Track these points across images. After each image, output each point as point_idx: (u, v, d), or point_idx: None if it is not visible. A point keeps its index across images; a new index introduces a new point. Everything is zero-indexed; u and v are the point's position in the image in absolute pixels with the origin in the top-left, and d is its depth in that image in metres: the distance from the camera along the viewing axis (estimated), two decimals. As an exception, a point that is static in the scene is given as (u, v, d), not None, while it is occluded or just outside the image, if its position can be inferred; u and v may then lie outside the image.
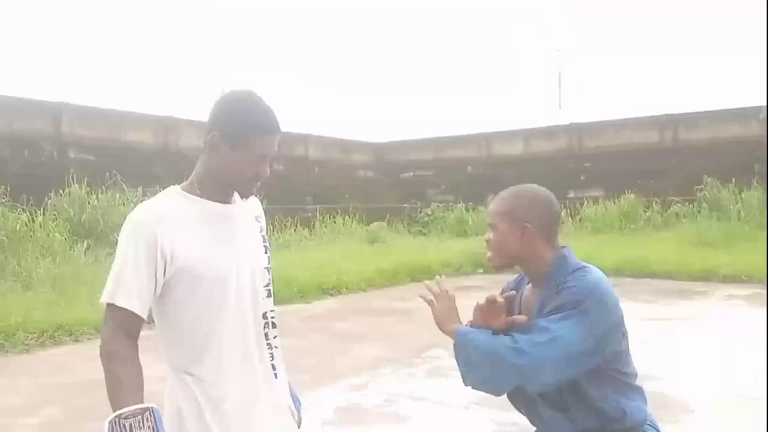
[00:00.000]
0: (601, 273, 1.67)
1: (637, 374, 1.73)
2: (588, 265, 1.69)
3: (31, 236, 8.88)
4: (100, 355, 1.52)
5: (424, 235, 16.53)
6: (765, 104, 14.32)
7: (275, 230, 13.58)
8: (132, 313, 1.48)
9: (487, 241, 1.79)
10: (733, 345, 6.07)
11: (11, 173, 10.66)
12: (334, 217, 16.28)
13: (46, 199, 10.35)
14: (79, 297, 7.62)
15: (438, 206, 18.16)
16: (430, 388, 4.99)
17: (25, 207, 9.52)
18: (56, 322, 6.84)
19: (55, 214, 9.98)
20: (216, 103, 1.55)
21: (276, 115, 1.55)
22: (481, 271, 12.69)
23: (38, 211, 9.63)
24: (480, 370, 1.66)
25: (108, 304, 1.49)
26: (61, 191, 10.66)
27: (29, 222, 9.19)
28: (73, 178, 10.88)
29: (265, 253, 1.68)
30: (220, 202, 1.58)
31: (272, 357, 1.65)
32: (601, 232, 14.64)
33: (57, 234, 9.18)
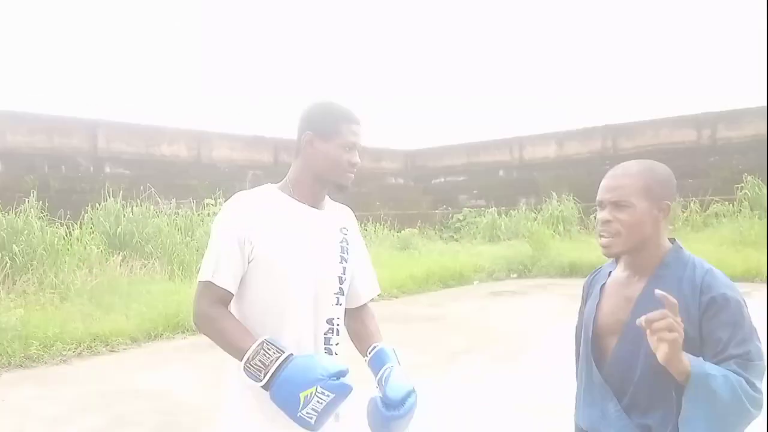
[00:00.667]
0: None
1: None
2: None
3: (68, 249, 9.06)
4: (199, 325, 1.65)
5: (456, 240, 16.42)
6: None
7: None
8: (226, 290, 1.61)
9: (608, 221, 1.52)
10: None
11: (51, 188, 10.92)
12: (365, 224, 16.29)
13: (82, 212, 10.57)
14: (115, 308, 7.74)
15: (470, 211, 18.03)
16: (463, 394, 4.91)
17: (62, 221, 9.73)
18: (93, 332, 6.95)
19: (91, 227, 10.17)
20: (303, 111, 1.72)
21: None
22: (515, 275, 12.54)
23: (75, 225, 9.83)
24: (719, 417, 1.35)
25: (205, 282, 1.61)
26: (97, 205, 10.87)
27: (67, 235, 9.38)
28: (108, 192, 11.09)
29: (341, 263, 1.73)
30: (310, 205, 1.69)
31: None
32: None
33: (93, 246, 9.35)
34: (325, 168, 1.67)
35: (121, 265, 9.08)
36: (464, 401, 4.74)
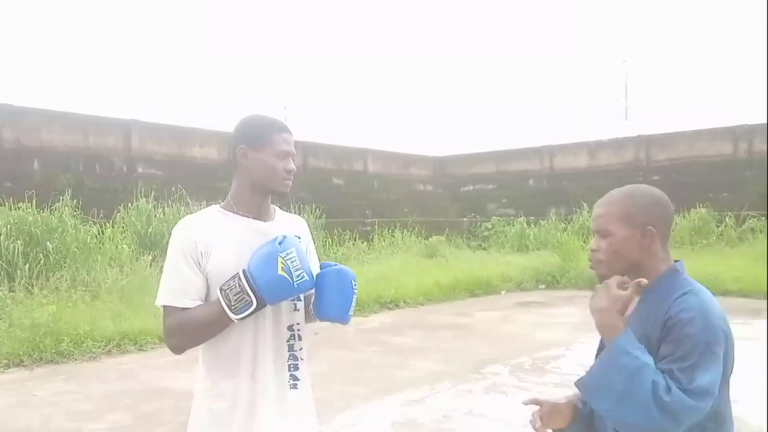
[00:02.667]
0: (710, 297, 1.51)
1: None
2: (700, 286, 1.53)
3: (100, 248, 9.22)
4: (174, 343, 1.66)
5: (484, 249, 16.30)
6: None
7: (334, 243, 13.67)
8: (187, 308, 1.63)
9: (594, 251, 1.61)
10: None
11: (85, 187, 11.13)
12: (392, 230, 16.26)
13: (115, 212, 10.74)
14: (144, 307, 7.84)
15: (498, 220, 17.90)
16: (488, 404, 4.86)
17: (95, 220, 9.90)
18: (122, 330, 7.06)
19: (123, 227, 10.34)
20: (233, 129, 1.76)
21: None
22: (543, 286, 12.41)
23: (108, 224, 10.00)
24: (616, 394, 1.40)
25: (164, 306, 1.65)
26: (129, 205, 11.04)
27: (99, 234, 9.55)
28: (141, 192, 11.26)
29: None
30: (255, 218, 1.72)
31: (295, 368, 1.72)
32: (671, 247, 14.07)
33: (125, 246, 9.50)
34: (262, 177, 1.69)
35: (151, 265, 9.20)
36: (489, 412, 4.69)
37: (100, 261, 8.76)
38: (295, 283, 1.53)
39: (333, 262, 1.75)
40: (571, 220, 16.23)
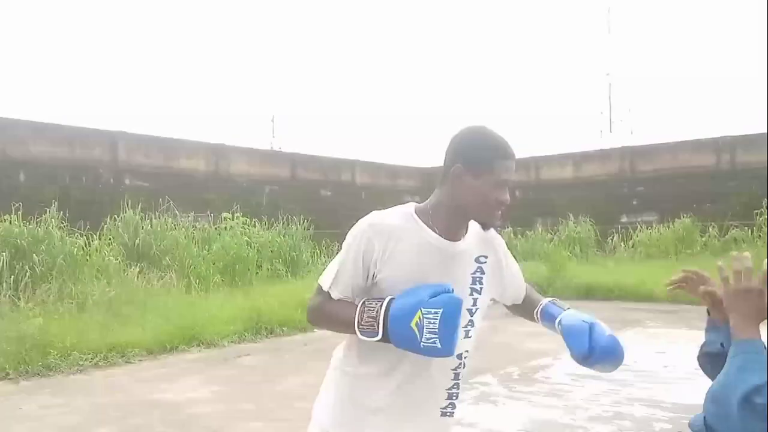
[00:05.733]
0: None
1: None
2: None
3: (87, 260, 9.17)
4: (311, 318, 1.69)
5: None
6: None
7: (322, 254, 13.67)
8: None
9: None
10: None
11: (71, 199, 11.07)
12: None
13: (102, 223, 10.68)
14: (132, 319, 7.81)
15: (486, 231, 17.97)
16: (478, 414, 4.88)
17: (82, 231, 9.85)
18: (109, 343, 7.02)
19: (110, 239, 10.29)
20: (454, 138, 1.62)
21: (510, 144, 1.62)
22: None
23: (94, 236, 9.95)
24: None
25: (321, 288, 1.64)
26: (116, 216, 10.99)
27: (86, 246, 9.49)
28: (127, 204, 11.22)
29: (471, 294, 1.66)
30: (445, 237, 1.61)
31: (455, 396, 1.69)
32: (654, 257, 14.22)
33: (111, 257, 9.45)
34: (472, 204, 1.58)
35: (138, 277, 9.16)
36: (479, 421, 4.71)
37: (87, 273, 8.71)
38: (421, 344, 1.45)
39: (605, 331, 1.69)
40: (558, 231, 16.34)
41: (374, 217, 1.62)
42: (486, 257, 1.69)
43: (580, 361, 1.66)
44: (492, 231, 1.74)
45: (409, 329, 1.44)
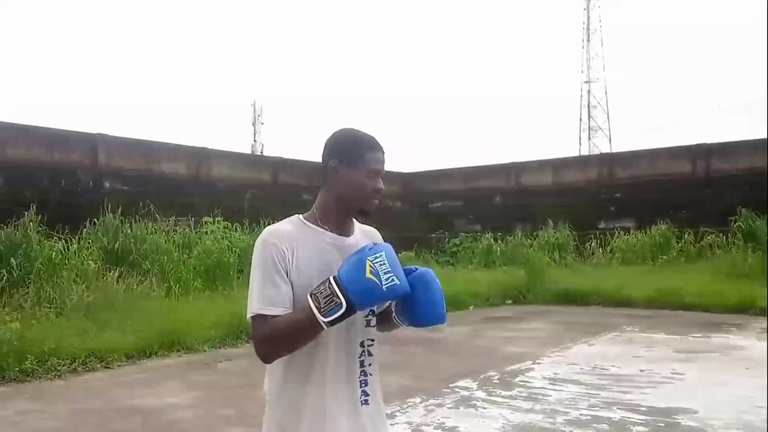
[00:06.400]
0: None
1: None
2: None
3: (65, 264, 9.07)
4: (267, 353, 1.64)
5: (452, 265, 16.45)
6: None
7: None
8: (279, 316, 1.62)
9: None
10: (772, 380, 5.89)
11: (50, 203, 10.94)
12: (362, 246, 16.27)
13: (81, 227, 10.58)
14: (111, 324, 7.74)
15: (466, 236, 18.10)
16: (458, 418, 4.93)
17: (60, 235, 9.74)
18: (88, 348, 6.96)
19: (89, 243, 10.19)
20: (328, 139, 1.77)
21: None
22: (510, 302, 12.58)
23: (73, 239, 9.85)
24: None
25: (255, 316, 1.63)
26: (95, 220, 10.89)
27: (64, 250, 9.39)
28: (107, 208, 11.12)
29: None
30: (336, 233, 1.73)
31: (365, 383, 1.74)
32: (632, 263, 14.42)
33: (91, 262, 9.36)
34: (351, 194, 1.71)
35: (118, 281, 9.08)
36: (459, 425, 4.76)
37: (65, 277, 8.61)
38: (383, 287, 1.52)
39: (414, 266, 1.74)
40: (537, 236, 16.50)
41: (269, 229, 1.70)
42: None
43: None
44: (374, 230, 1.88)
45: (369, 279, 1.51)
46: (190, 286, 10.29)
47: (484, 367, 6.61)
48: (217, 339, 8.15)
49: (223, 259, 11.28)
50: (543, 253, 15.17)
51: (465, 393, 5.68)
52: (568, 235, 16.27)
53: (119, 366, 6.99)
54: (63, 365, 6.62)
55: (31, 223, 9.33)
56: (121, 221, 10.95)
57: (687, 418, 4.78)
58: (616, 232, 15.88)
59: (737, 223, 14.05)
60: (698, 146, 15.78)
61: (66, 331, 7.23)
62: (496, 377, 6.28)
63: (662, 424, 4.64)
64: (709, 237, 14.45)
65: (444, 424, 4.81)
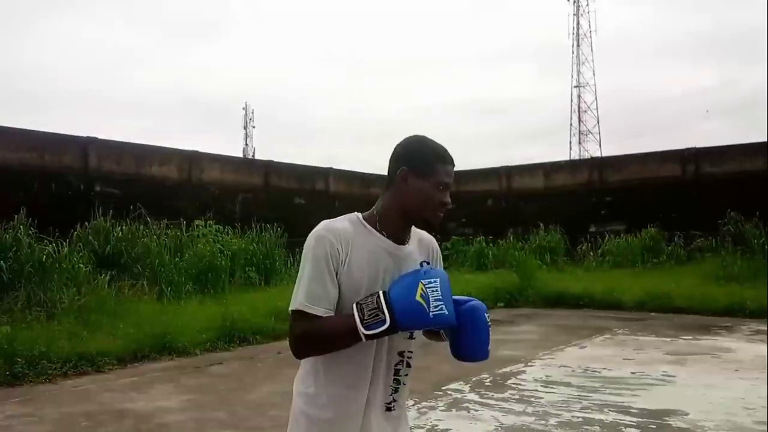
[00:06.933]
0: None
1: None
2: None
3: (56, 267, 9.00)
4: (300, 350, 1.63)
5: (444, 268, 16.40)
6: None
7: (296, 263, 13.62)
8: (321, 316, 1.59)
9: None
10: (759, 380, 5.94)
11: (40, 206, 10.88)
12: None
13: (72, 231, 10.53)
14: (102, 328, 7.72)
15: (458, 239, 18.13)
16: (451, 421, 4.94)
17: (51, 238, 9.69)
18: (79, 351, 6.92)
19: (80, 246, 10.13)
20: (398, 145, 1.72)
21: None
22: (502, 304, 12.60)
23: (64, 243, 9.79)
24: None
25: (297, 310, 1.60)
26: (86, 223, 10.84)
27: (55, 253, 9.33)
28: (98, 211, 11.07)
29: None
30: (392, 240, 1.69)
31: (395, 391, 1.73)
32: (622, 266, 14.49)
33: (81, 265, 9.30)
34: (417, 205, 1.67)
35: (109, 285, 9.04)
36: (451, 428, 4.77)
37: (56, 280, 8.56)
38: (431, 313, 1.50)
39: (466, 297, 1.71)
40: (528, 239, 16.56)
41: (327, 224, 1.66)
42: (428, 262, 1.76)
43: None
44: (430, 238, 1.85)
45: (417, 302, 1.49)
46: (181, 290, 10.26)
47: (476, 370, 6.62)
48: (209, 342, 8.12)
49: (214, 262, 11.26)
50: (534, 257, 15.23)
51: (457, 396, 5.70)
52: (559, 239, 16.34)
53: (110, 369, 6.95)
54: (54, 369, 6.58)
55: (21, 226, 9.26)
56: (112, 224, 10.90)
57: (678, 420, 4.81)
58: (607, 236, 15.96)
59: (726, 227, 14.16)
60: (688, 150, 15.91)
61: (57, 334, 7.19)
62: (489, 380, 6.30)
63: (653, 426, 4.67)
64: (698, 240, 14.55)
65: (436, 426, 4.82)
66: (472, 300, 1.70)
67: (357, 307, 1.53)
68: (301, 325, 1.59)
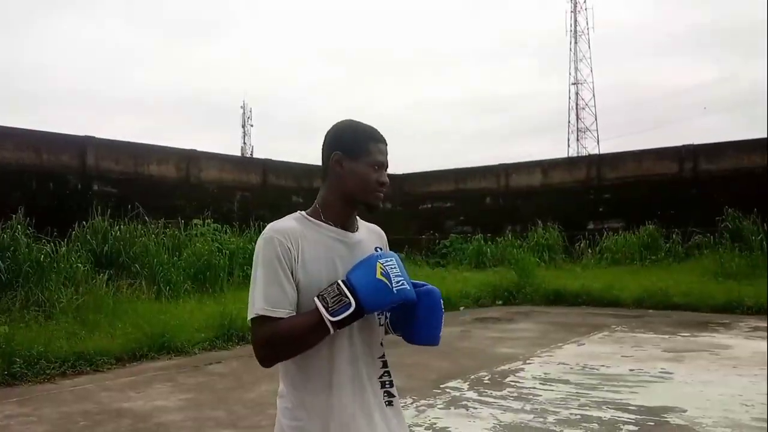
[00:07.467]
0: None
1: None
2: None
3: (54, 267, 9.00)
4: (267, 357, 1.56)
5: (443, 266, 16.48)
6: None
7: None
8: (282, 318, 1.54)
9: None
10: (757, 377, 5.95)
11: (38, 205, 10.88)
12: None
13: (70, 230, 10.52)
14: (100, 327, 7.71)
15: (456, 237, 18.14)
16: (449, 419, 4.94)
17: (49, 238, 9.69)
18: (77, 351, 6.92)
19: (78, 245, 10.13)
20: (328, 133, 1.70)
21: None
22: (500, 302, 12.61)
23: (62, 242, 9.79)
24: None
25: (255, 317, 1.54)
26: (84, 223, 10.83)
27: (53, 253, 9.33)
28: (96, 210, 11.06)
29: None
30: (342, 228, 1.66)
31: (390, 384, 1.69)
32: (620, 263, 14.50)
33: (80, 264, 9.30)
34: (355, 187, 1.64)
35: (107, 284, 9.04)
36: (450, 426, 4.77)
37: (54, 280, 8.55)
38: (394, 289, 1.49)
39: (421, 281, 1.68)
40: (527, 237, 16.57)
41: (273, 225, 1.62)
42: (381, 248, 1.75)
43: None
44: (377, 227, 1.83)
45: (379, 280, 1.48)
46: (179, 289, 10.25)
47: (475, 368, 6.63)
48: (207, 341, 8.12)
49: (213, 261, 11.25)
50: (532, 254, 15.23)
51: (456, 393, 5.70)
52: (557, 236, 16.34)
53: (109, 369, 6.95)
54: (52, 368, 6.58)
55: (19, 226, 9.27)
56: (110, 224, 10.90)
57: (676, 416, 4.81)
58: (605, 233, 15.97)
59: (724, 224, 14.17)
60: (685, 147, 15.91)
61: (55, 334, 7.19)
62: (487, 377, 6.30)
63: (651, 423, 4.68)
64: (696, 237, 14.56)
65: (435, 424, 4.82)
66: (426, 284, 1.68)
67: (319, 298, 1.50)
68: (264, 330, 1.52)
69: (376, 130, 1.69)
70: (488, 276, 13.90)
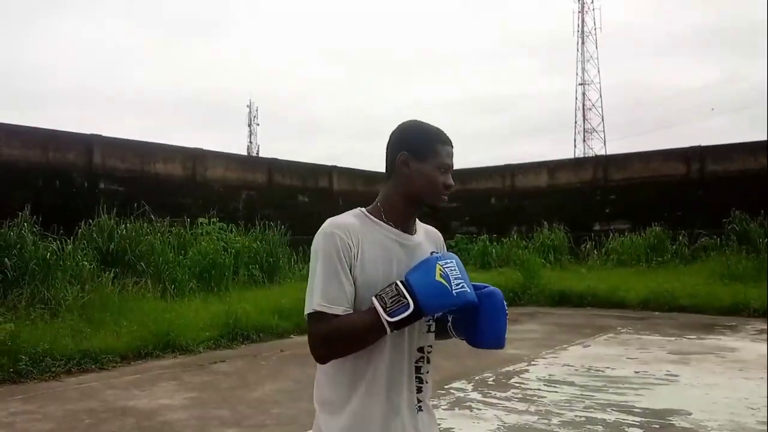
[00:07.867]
0: None
1: None
2: None
3: (60, 264, 9.03)
4: (323, 354, 1.55)
5: (448, 266, 16.43)
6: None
7: (299, 260, 13.65)
8: (340, 315, 1.53)
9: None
10: (763, 380, 5.92)
11: (44, 203, 10.91)
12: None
13: (76, 228, 10.55)
14: (106, 325, 7.73)
15: (462, 238, 18.12)
16: (454, 420, 4.94)
17: (55, 236, 9.72)
18: (82, 349, 6.95)
19: (84, 243, 10.15)
20: (394, 132, 1.68)
21: None
22: (505, 303, 12.58)
23: (68, 240, 9.82)
24: None
25: (313, 313, 1.53)
26: (90, 221, 10.86)
27: (59, 251, 9.37)
28: (102, 208, 11.09)
29: None
30: (401, 230, 1.64)
31: (419, 390, 1.66)
32: (626, 264, 14.45)
33: (86, 262, 9.32)
34: (421, 188, 1.61)
35: (113, 282, 9.05)
36: (454, 427, 4.77)
37: (60, 278, 8.57)
38: (453, 291, 1.46)
39: (483, 284, 1.64)
40: (532, 237, 16.53)
41: (333, 221, 1.59)
42: (437, 252, 1.71)
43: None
44: (436, 231, 1.80)
45: (438, 282, 1.46)
46: (185, 288, 10.27)
47: (479, 369, 6.62)
48: (212, 340, 8.14)
49: (218, 260, 11.27)
50: (538, 255, 15.20)
51: (460, 394, 5.69)
52: (563, 237, 16.30)
53: (114, 367, 6.97)
54: (57, 366, 6.61)
55: (25, 224, 9.29)
56: (116, 222, 10.92)
57: (681, 419, 4.79)
58: (611, 234, 15.92)
59: (731, 225, 14.10)
60: (692, 148, 15.85)
61: (60, 331, 7.21)
62: (491, 379, 6.29)
63: (656, 426, 4.66)
64: (703, 239, 14.50)
65: (439, 425, 4.79)
66: (488, 286, 1.64)
67: (377, 298, 1.48)
68: (321, 326, 1.51)
69: (443, 131, 1.67)
70: (493, 276, 13.86)
